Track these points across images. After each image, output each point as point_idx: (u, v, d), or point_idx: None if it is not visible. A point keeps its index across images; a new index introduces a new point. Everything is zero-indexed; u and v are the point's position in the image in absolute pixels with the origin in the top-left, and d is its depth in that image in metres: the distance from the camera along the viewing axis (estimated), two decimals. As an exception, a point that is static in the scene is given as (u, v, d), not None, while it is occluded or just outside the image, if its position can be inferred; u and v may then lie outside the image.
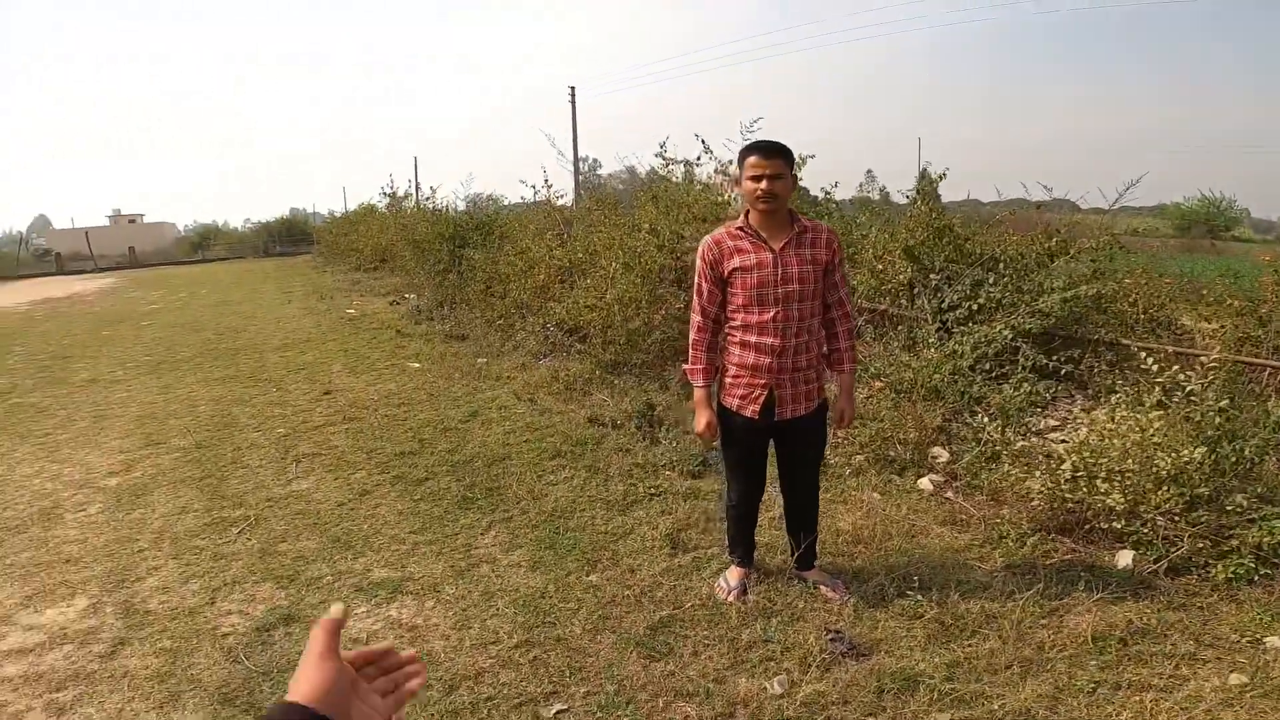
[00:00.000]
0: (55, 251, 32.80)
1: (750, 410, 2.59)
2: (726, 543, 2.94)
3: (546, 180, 8.99)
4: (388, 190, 16.91)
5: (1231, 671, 2.30)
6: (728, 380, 2.63)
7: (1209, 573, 2.78)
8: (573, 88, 27.68)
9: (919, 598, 2.70)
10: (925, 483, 3.77)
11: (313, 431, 5.07)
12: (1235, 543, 2.80)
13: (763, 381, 2.55)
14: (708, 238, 2.58)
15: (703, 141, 6.52)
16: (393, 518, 3.66)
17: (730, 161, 6.54)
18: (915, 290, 4.98)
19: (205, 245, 33.45)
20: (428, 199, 14.62)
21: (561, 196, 9.55)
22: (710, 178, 6.62)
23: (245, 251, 30.96)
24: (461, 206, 13.00)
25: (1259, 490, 3.03)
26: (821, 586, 2.78)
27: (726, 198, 6.30)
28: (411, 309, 9.94)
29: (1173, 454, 2.88)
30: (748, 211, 2.55)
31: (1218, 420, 3.03)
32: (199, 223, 53.84)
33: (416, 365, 6.85)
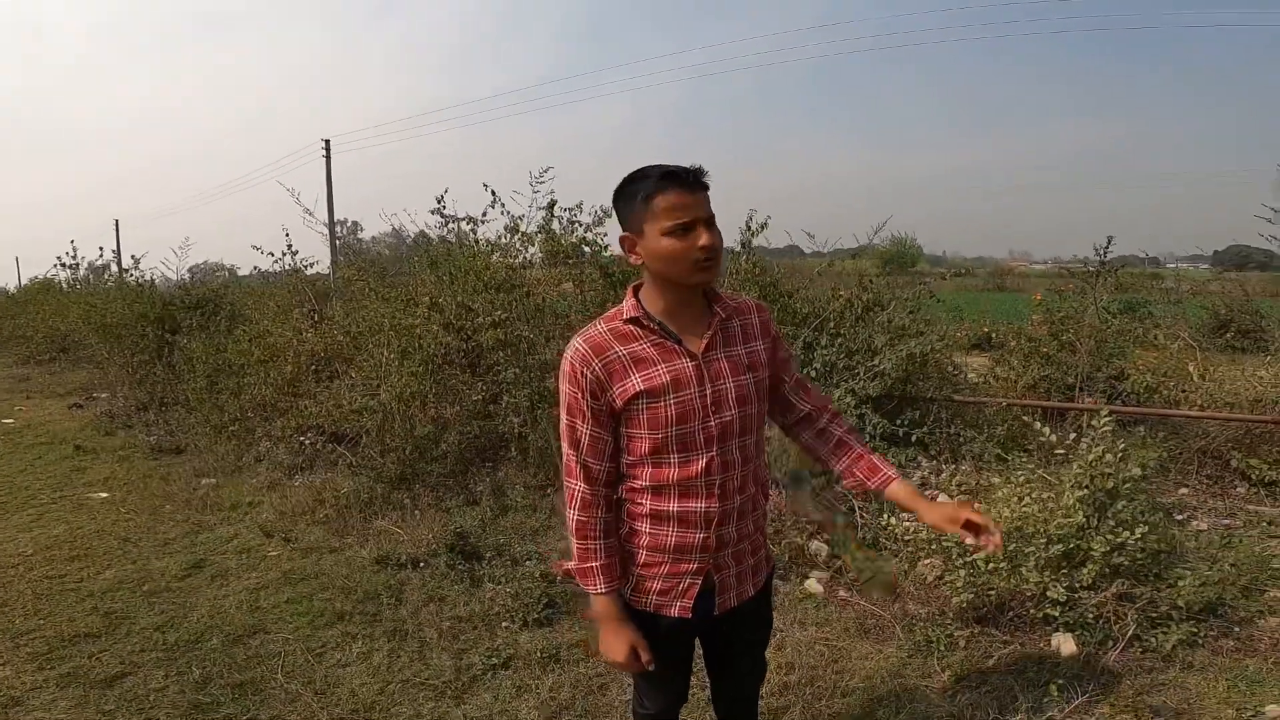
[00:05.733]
0: None
1: (677, 609, 1.55)
2: None
3: (290, 245, 7.37)
4: (67, 260, 13.41)
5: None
6: (636, 570, 1.56)
7: (1151, 643, 2.60)
8: (327, 140, 24.61)
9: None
10: (814, 585, 3.27)
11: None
12: (1164, 608, 2.68)
13: (693, 567, 1.53)
14: (577, 341, 1.47)
15: (492, 192, 5.37)
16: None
17: (521, 218, 5.56)
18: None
19: None
20: (129, 270, 11.82)
21: (313, 264, 7.99)
22: (499, 236, 5.57)
23: None
24: (175, 279, 10.58)
25: (1153, 548, 2.87)
26: None
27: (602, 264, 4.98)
28: (101, 414, 7.59)
29: (1108, 536, 2.57)
30: (636, 287, 1.52)
31: (1123, 488, 2.80)
32: None
33: (104, 495, 4.92)
